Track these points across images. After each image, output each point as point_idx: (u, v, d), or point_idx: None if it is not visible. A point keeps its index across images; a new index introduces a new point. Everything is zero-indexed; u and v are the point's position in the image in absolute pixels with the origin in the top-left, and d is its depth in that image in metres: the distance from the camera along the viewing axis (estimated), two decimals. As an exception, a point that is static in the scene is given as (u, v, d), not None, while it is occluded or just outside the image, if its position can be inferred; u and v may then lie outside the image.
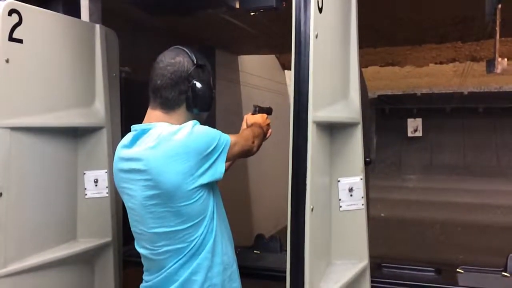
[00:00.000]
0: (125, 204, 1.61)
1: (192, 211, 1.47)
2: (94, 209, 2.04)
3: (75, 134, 2.01)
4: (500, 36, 2.00)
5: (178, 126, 1.47)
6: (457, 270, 1.92)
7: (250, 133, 1.70)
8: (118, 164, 1.59)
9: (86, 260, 2.00)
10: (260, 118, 1.84)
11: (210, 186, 1.52)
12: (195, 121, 1.50)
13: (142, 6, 2.07)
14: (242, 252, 2.15)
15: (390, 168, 12.19)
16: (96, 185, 2.04)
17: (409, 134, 12.40)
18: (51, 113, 1.84)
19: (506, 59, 1.88)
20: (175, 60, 1.52)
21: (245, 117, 1.87)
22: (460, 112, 12.95)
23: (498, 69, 1.86)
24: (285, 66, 6.99)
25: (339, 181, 1.64)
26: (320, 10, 1.30)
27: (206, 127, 1.51)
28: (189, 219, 1.47)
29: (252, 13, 1.94)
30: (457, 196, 9.89)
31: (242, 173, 4.84)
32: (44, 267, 1.80)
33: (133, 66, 2.43)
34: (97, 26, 2.07)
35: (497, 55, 1.87)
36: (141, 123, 1.58)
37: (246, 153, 1.66)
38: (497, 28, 1.88)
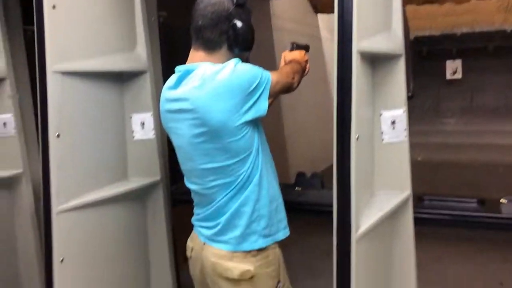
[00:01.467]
0: (174, 143, 1.68)
1: (239, 147, 1.52)
2: (142, 150, 2.13)
3: (120, 79, 2.08)
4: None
5: (221, 65, 1.50)
6: (501, 200, 1.92)
7: (290, 69, 1.71)
8: (164, 105, 1.64)
9: (137, 197, 2.12)
10: (298, 54, 1.84)
11: (254, 123, 1.56)
12: (237, 59, 1.53)
13: None
14: (284, 188, 2.21)
15: (427, 113, 11.89)
16: (142, 128, 2.12)
17: (448, 77, 11.97)
18: (97, 58, 1.91)
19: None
20: (215, 0, 1.53)
21: (283, 54, 1.88)
22: (502, 51, 12.33)
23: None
24: (317, 9, 6.78)
25: (381, 114, 1.65)
26: None
27: (249, 64, 1.53)
28: (236, 155, 1.53)
29: None
30: (498, 137, 9.62)
31: (276, 119, 4.86)
32: (100, 204, 1.92)
33: (169, 11, 2.44)
34: (135, -30, 2.08)
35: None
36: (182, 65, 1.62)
37: (287, 89, 1.68)
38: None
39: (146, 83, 2.11)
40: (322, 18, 6.99)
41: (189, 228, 1.79)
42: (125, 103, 2.10)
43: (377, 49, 1.45)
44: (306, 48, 1.89)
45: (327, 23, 7.64)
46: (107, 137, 2.01)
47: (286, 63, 1.83)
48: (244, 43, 1.58)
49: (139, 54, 2.09)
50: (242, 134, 1.51)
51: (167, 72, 2.28)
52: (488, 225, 1.81)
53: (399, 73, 1.63)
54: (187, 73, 1.56)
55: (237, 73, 1.47)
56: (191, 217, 1.78)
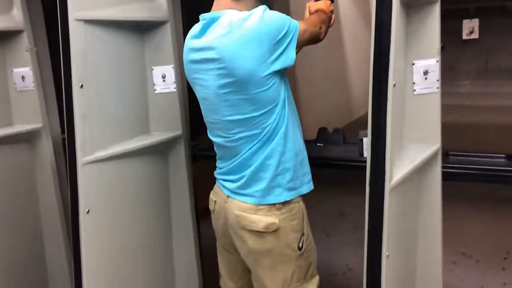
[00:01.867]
0: (198, 95, 1.65)
1: (265, 98, 1.49)
2: (163, 104, 2.11)
3: (141, 30, 2.03)
4: None
5: (248, 12, 1.44)
6: (530, 155, 1.88)
7: (317, 19, 1.66)
8: (188, 55, 1.60)
9: (160, 151, 2.11)
10: (323, 4, 1.78)
11: (281, 74, 1.52)
12: (264, 6, 1.47)
13: None
14: (305, 144, 2.20)
15: (443, 74, 11.72)
16: (164, 81, 2.09)
17: (464, 37, 11.67)
18: (117, 6, 1.86)
19: None
20: None
21: (308, 4, 1.81)
22: (523, 10, 12.00)
23: None
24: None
25: (414, 63, 1.59)
26: None
27: (276, 12, 1.48)
28: (263, 106, 1.50)
29: None
30: (513, 99, 9.49)
31: (291, 81, 4.79)
32: (124, 156, 1.92)
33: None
34: None
35: None
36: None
37: (315, 39, 1.63)
38: None
39: (167, 34, 2.06)
40: None
41: (208, 183, 1.79)
42: (146, 55, 2.06)
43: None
44: None
45: None
46: (129, 90, 1.98)
47: (311, 13, 1.77)
48: None
49: (160, 3, 2.03)
50: (269, 85, 1.48)
51: (188, 22, 2.23)
52: (516, 178, 1.78)
53: (434, 20, 1.56)
54: (213, 21, 1.51)
55: (265, 20, 1.42)
56: (210, 173, 1.77)
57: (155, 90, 2.09)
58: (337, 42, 6.83)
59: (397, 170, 1.38)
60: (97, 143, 1.81)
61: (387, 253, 1.32)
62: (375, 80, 1.29)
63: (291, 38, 1.47)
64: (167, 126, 2.12)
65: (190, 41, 1.60)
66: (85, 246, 1.77)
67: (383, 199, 1.29)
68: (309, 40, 1.60)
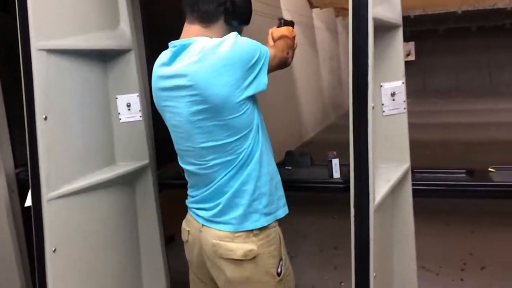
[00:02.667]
0: (168, 123, 1.61)
1: (240, 123, 1.48)
2: (129, 133, 2.04)
3: (104, 58, 1.97)
4: None
5: (220, 39, 1.44)
6: (489, 169, 1.98)
7: (284, 44, 1.68)
8: (158, 83, 1.57)
9: (127, 182, 2.04)
10: (286, 30, 1.82)
11: (254, 99, 1.52)
12: (235, 32, 1.48)
13: None
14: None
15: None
16: (129, 109, 2.03)
17: (402, 59, 12.32)
18: (80, 35, 1.79)
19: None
20: None
21: (270, 31, 1.84)
22: (453, 33, 12.85)
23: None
24: (312, 3, 6.84)
25: (381, 86, 1.65)
26: None
27: (247, 38, 1.49)
28: (237, 132, 1.49)
29: None
30: (452, 117, 10.05)
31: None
32: (91, 189, 1.83)
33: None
34: None
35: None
36: (165, 45, 1.55)
37: (283, 64, 1.65)
38: None
39: (131, 62, 2.01)
40: (315, 11, 7.08)
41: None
42: (110, 84, 2.00)
43: (386, 17, 1.44)
44: (292, 24, 1.87)
45: (321, 16, 8.98)
46: (94, 120, 1.91)
47: (275, 39, 1.80)
48: (242, 15, 1.53)
49: (123, 31, 1.99)
50: (243, 110, 1.47)
51: (152, 50, 2.20)
52: (479, 193, 1.87)
53: (398, 43, 1.63)
54: (183, 48, 1.49)
55: (238, 46, 1.43)
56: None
57: (120, 119, 2.03)
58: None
59: (377, 190, 1.41)
60: (63, 177, 1.72)
61: (374, 274, 1.34)
62: (355, 104, 1.32)
63: (263, 63, 1.48)
64: (134, 156, 2.06)
65: (160, 69, 1.57)
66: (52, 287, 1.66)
67: (368, 219, 1.31)
68: (278, 65, 1.62)
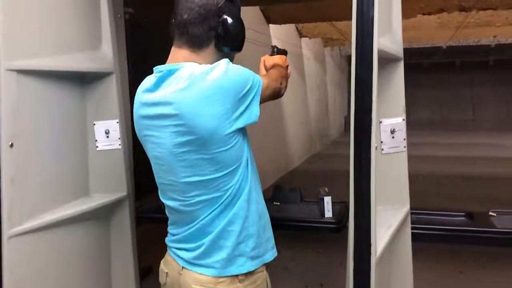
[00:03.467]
0: (149, 154, 1.47)
1: (229, 157, 1.35)
2: (106, 162, 1.89)
3: (82, 81, 1.83)
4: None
5: (210, 65, 1.32)
6: (489, 213, 1.88)
7: (278, 74, 1.57)
8: (140, 111, 1.43)
9: (101, 216, 1.87)
10: (279, 59, 1.71)
11: (244, 131, 1.40)
12: (227, 59, 1.36)
13: None
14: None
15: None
16: (107, 137, 1.88)
17: (387, 91, 12.49)
18: (57, 56, 1.65)
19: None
20: None
21: (263, 58, 1.73)
22: (437, 67, 13.09)
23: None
24: (270, 19, 6.81)
25: (381, 122, 1.54)
26: None
27: (240, 66, 1.37)
28: (225, 166, 1.35)
29: None
30: (436, 149, 10.10)
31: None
32: (59, 225, 1.66)
33: (136, 8, 2.22)
34: (103, -40, 1.86)
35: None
36: (150, 69, 1.43)
37: (277, 94, 1.54)
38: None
39: (111, 86, 1.88)
40: (273, 28, 7.08)
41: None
42: (88, 109, 1.85)
43: (388, 49, 1.34)
44: (285, 52, 1.77)
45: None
46: (67, 147, 1.75)
47: (267, 68, 1.69)
48: (235, 41, 1.41)
49: (105, 53, 1.86)
50: (232, 143, 1.34)
51: (135, 74, 2.07)
52: (482, 239, 1.75)
53: (399, 78, 1.54)
54: (170, 73, 1.35)
55: (230, 74, 1.30)
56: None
57: (97, 147, 1.88)
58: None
59: (379, 238, 1.27)
60: (28, 211, 1.55)
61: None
62: (357, 143, 1.19)
63: (255, 93, 1.36)
64: (110, 187, 1.90)
65: (143, 95, 1.43)
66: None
67: (370, 275, 1.17)
68: (271, 96, 1.50)
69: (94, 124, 1.87)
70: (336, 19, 6.55)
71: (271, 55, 1.73)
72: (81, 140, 1.83)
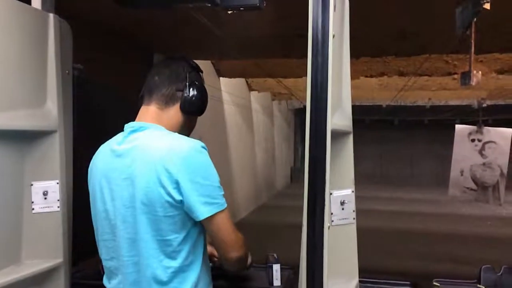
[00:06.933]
0: (98, 208, 1.43)
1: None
2: (42, 226, 1.75)
3: (21, 139, 1.72)
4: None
5: (180, 136, 1.41)
6: (434, 283, 1.90)
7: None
8: (103, 160, 1.45)
9: (33, 284, 1.71)
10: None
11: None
12: (202, 143, 1.38)
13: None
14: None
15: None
16: (45, 198, 1.76)
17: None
18: (-6, 113, 1.55)
19: (480, 72, 1.91)
20: (173, 64, 1.52)
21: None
22: (378, 124, 13.71)
23: (474, 81, 1.89)
24: (220, 72, 6.91)
25: (331, 193, 1.54)
26: (334, 8, 1.21)
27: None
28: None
29: (229, 12, 1.79)
30: (376, 204, 10.37)
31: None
32: (-17, 298, 1.50)
33: (85, 64, 2.15)
34: (51, 15, 1.79)
35: (472, 68, 1.89)
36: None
37: (242, 258, 1.45)
38: (472, 41, 1.91)
39: (54, 145, 1.78)
40: (223, 81, 7.17)
41: None
42: (26, 168, 1.73)
43: (339, 126, 1.37)
44: None
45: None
46: (-2, 210, 1.61)
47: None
48: (198, 105, 1.51)
49: (49, 110, 1.77)
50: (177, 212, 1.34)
51: (79, 133, 1.98)
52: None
53: (349, 150, 1.56)
54: (140, 130, 1.42)
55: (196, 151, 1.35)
56: None
57: (33, 209, 1.75)
58: (223, 144, 6.96)
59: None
60: None
61: None
62: (311, 220, 1.18)
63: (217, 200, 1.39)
64: (45, 253, 1.75)
65: (112, 145, 1.44)
66: None
67: None
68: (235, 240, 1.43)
69: (31, 185, 1.75)
70: (283, 76, 6.76)
71: None
72: (14, 202, 1.69)
